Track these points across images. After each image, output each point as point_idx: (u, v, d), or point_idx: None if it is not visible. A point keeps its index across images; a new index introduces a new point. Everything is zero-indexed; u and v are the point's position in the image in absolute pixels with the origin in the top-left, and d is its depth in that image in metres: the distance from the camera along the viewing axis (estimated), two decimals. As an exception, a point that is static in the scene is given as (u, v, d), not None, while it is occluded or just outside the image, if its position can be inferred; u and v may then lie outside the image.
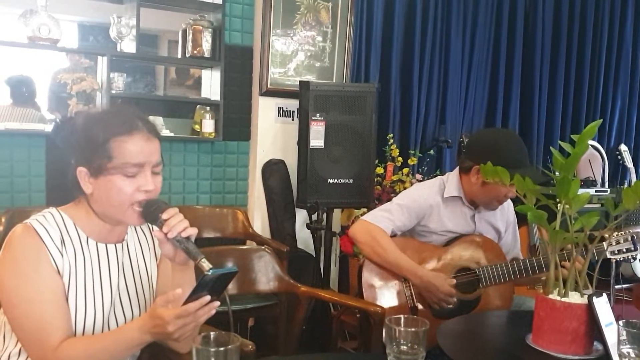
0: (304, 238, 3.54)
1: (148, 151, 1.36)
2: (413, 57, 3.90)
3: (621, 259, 2.14)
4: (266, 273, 2.32)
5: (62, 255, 1.35)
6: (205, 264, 1.28)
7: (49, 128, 3.08)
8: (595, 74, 4.70)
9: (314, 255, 3.33)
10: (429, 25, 3.93)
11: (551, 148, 1.61)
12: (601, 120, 1.63)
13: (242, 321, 3.13)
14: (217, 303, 1.26)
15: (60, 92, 3.22)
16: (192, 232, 1.33)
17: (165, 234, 1.32)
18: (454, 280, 2.23)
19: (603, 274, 4.34)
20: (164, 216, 1.32)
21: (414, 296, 2.27)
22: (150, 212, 1.35)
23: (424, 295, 2.24)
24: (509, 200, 2.40)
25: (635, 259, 2.18)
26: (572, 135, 1.57)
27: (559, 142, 1.62)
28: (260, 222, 3.54)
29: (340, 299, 2.45)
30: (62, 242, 1.36)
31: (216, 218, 3.29)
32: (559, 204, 1.55)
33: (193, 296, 1.22)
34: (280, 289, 2.35)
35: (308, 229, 3.25)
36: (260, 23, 3.43)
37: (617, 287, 4.24)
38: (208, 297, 1.23)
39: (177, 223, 1.32)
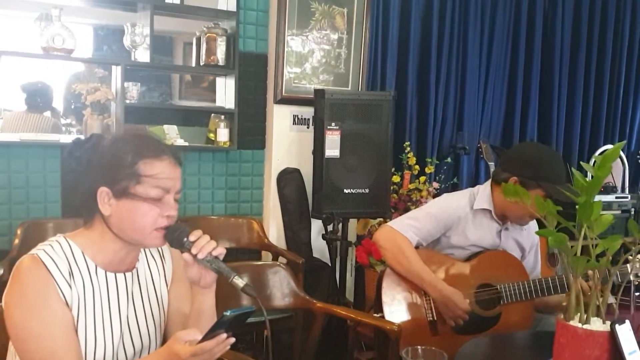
0: (319, 247, 3.51)
1: (174, 177, 1.38)
2: (430, 63, 3.86)
3: None
4: (281, 289, 2.30)
5: (70, 287, 1.33)
6: (239, 281, 1.31)
7: (64, 138, 3.08)
8: (616, 77, 4.63)
9: (330, 265, 3.31)
10: (446, 32, 3.88)
11: (572, 170, 1.56)
12: (625, 142, 1.58)
13: (258, 333, 3.12)
14: (232, 340, 1.26)
15: (75, 102, 3.22)
16: (222, 251, 1.36)
17: (195, 256, 1.33)
18: (469, 306, 2.20)
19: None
20: (192, 238, 1.34)
21: (433, 310, 2.24)
22: (176, 237, 1.36)
23: (440, 310, 2.21)
24: (535, 221, 2.35)
25: None
26: (594, 156, 1.52)
27: (581, 162, 1.57)
28: (275, 231, 3.52)
29: (356, 315, 2.41)
30: (71, 273, 1.34)
31: (231, 228, 3.29)
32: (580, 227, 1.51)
33: (210, 334, 1.22)
34: (296, 305, 2.33)
35: (324, 239, 3.23)
36: (275, 30, 3.40)
37: (637, 294, 4.18)
38: (224, 336, 1.24)
39: (206, 244, 1.34)
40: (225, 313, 1.21)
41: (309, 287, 3.03)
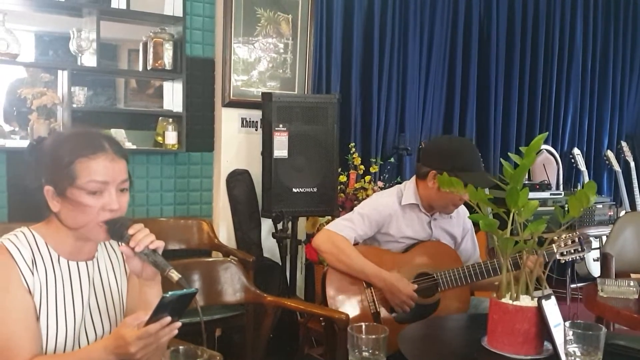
0: (270, 247, 3.58)
1: (112, 171, 1.39)
2: (372, 68, 4.00)
3: (569, 260, 2.26)
4: (232, 284, 2.36)
5: (32, 274, 1.37)
6: (174, 275, 1.32)
7: (9, 143, 3.06)
8: (548, 81, 4.88)
9: (280, 264, 3.38)
10: (387, 37, 4.03)
11: (501, 160, 1.70)
12: (547, 133, 1.74)
13: (209, 332, 3.15)
14: (179, 324, 1.29)
15: (21, 107, 3.19)
16: (159, 244, 1.38)
17: (132, 249, 1.36)
18: (416, 286, 2.32)
19: (560, 273, 4.51)
20: (130, 231, 1.36)
21: (376, 302, 2.34)
22: (116, 230, 1.38)
23: (388, 298, 2.32)
24: (465, 209, 2.50)
25: (582, 259, 2.30)
26: (520, 148, 1.66)
27: (509, 153, 1.71)
28: (226, 232, 3.56)
29: (306, 307, 2.51)
30: (34, 261, 1.39)
31: (181, 229, 3.30)
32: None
33: (154, 318, 1.25)
34: (247, 300, 2.39)
35: (274, 238, 3.30)
36: (222, 35, 3.47)
37: (572, 286, 4.41)
38: (169, 319, 1.26)
39: (143, 237, 1.36)
40: (165, 295, 1.23)
41: (259, 286, 3.06)
